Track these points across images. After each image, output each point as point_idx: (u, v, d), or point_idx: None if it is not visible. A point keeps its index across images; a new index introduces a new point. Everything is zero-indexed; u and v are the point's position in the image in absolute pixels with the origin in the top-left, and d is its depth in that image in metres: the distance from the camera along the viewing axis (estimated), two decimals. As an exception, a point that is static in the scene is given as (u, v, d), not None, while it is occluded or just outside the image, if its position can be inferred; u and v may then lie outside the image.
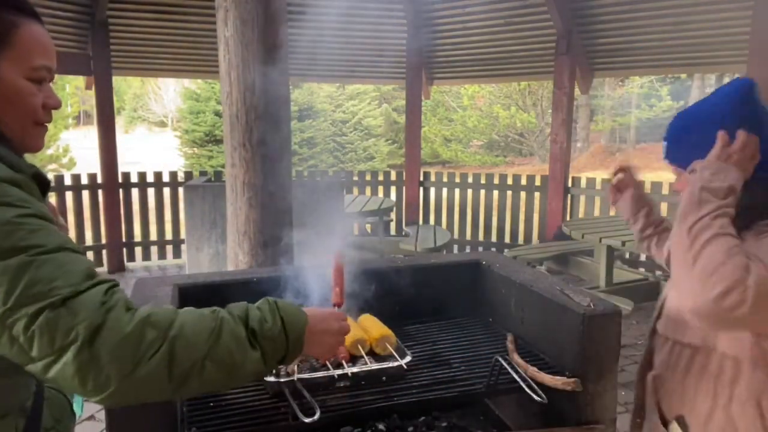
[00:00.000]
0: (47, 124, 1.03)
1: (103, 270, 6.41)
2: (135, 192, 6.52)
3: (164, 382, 0.85)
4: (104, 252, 6.43)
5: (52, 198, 6.03)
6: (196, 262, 5.41)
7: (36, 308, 0.79)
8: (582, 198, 6.48)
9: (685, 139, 1.33)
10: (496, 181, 6.79)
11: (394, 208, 6.92)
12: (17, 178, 0.87)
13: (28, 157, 1.02)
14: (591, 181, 6.44)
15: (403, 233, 6.79)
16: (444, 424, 1.37)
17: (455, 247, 6.90)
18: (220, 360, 0.89)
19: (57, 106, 1.03)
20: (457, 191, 7.02)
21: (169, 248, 6.73)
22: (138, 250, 6.63)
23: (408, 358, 1.32)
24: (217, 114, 13.70)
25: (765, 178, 1.20)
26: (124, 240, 6.52)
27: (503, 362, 1.27)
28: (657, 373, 1.33)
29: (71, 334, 0.79)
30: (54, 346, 0.79)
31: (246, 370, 0.92)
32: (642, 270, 5.49)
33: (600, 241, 4.19)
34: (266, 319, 0.96)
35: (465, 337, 1.54)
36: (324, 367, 1.27)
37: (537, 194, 6.62)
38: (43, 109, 1.00)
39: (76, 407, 1.17)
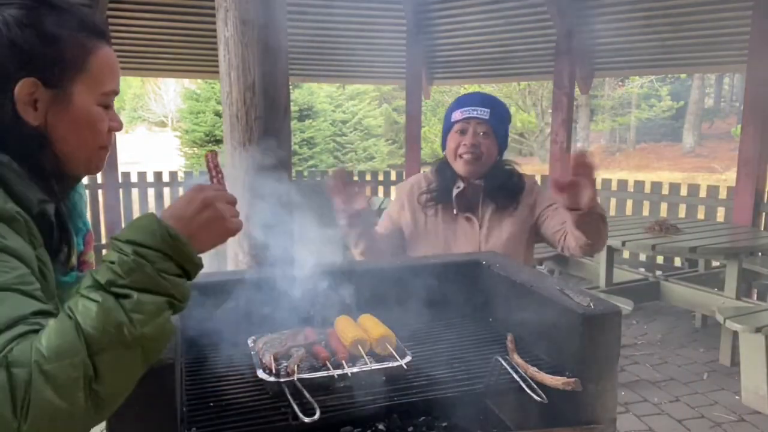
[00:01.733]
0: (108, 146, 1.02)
1: (103, 270, 6.41)
2: (135, 192, 6.52)
3: (71, 410, 0.72)
4: (104, 252, 6.42)
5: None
6: (196, 262, 5.41)
7: None
8: (582, 198, 6.47)
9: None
10: (496, 181, 6.78)
11: (394, 208, 6.91)
12: (1, 210, 0.82)
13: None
14: (591, 181, 6.43)
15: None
16: (444, 424, 1.37)
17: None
18: (106, 342, 0.74)
19: (120, 128, 1.01)
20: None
21: (169, 248, 6.74)
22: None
23: (408, 358, 1.32)
24: (217, 114, 13.70)
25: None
26: (124, 240, 6.52)
27: (503, 362, 1.27)
28: None
29: None
30: None
31: (140, 321, 0.76)
32: (642, 270, 5.49)
33: (600, 241, 4.18)
34: (113, 260, 0.80)
35: (465, 337, 1.54)
36: (324, 367, 1.28)
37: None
38: (108, 132, 1.00)
39: None
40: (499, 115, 1.91)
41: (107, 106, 0.99)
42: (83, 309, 0.75)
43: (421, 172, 2.06)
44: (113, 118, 1.01)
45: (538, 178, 6.74)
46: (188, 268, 0.86)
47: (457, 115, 1.92)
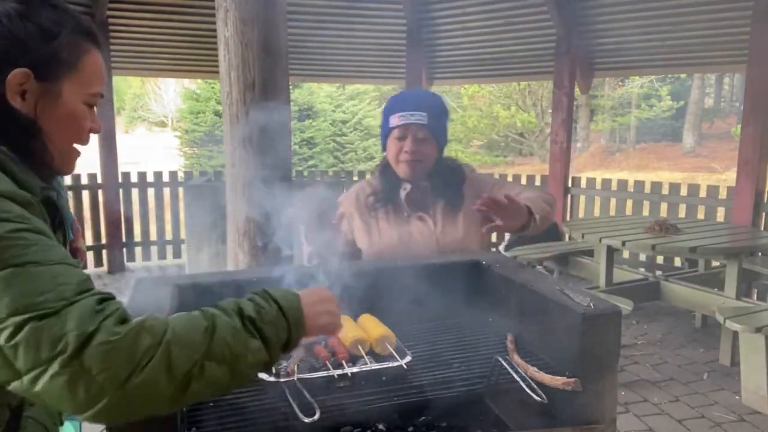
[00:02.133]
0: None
1: (103, 270, 6.41)
2: (135, 192, 6.52)
3: (164, 390, 0.81)
4: (104, 252, 6.42)
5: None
6: (196, 262, 5.41)
7: (23, 318, 0.75)
8: (582, 198, 6.48)
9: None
10: (496, 181, 6.78)
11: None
12: (18, 194, 0.87)
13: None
14: (591, 181, 6.44)
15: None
16: (444, 424, 1.37)
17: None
18: (220, 357, 0.86)
19: (99, 130, 1.06)
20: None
21: (169, 248, 6.73)
22: (138, 250, 6.63)
23: (408, 358, 1.32)
24: (217, 114, 13.70)
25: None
26: (124, 240, 6.52)
27: (503, 362, 1.27)
28: None
29: (60, 344, 0.75)
30: (41, 356, 0.75)
31: (248, 361, 0.89)
32: (642, 270, 5.49)
33: (600, 241, 4.19)
34: (262, 306, 0.95)
35: (465, 337, 1.54)
36: (324, 367, 1.28)
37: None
38: (87, 132, 1.04)
39: None
40: (436, 116, 1.90)
41: (91, 107, 1.03)
42: (224, 323, 0.89)
43: (365, 179, 2.03)
44: (94, 120, 1.05)
45: (537, 178, 6.75)
46: (289, 348, 0.99)
47: (395, 120, 1.89)
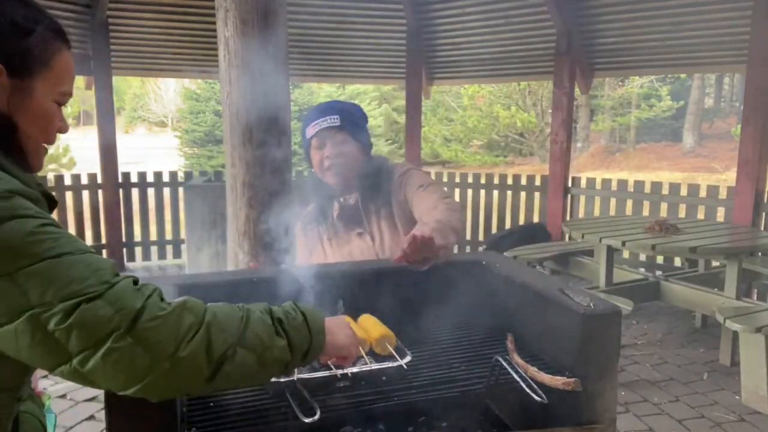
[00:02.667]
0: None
1: (103, 270, 6.42)
2: (135, 192, 6.52)
3: (202, 368, 0.86)
4: (104, 252, 6.42)
5: (52, 198, 6.04)
6: (196, 262, 5.41)
7: (73, 302, 0.80)
8: (582, 198, 6.48)
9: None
10: (496, 181, 6.79)
11: (394, 208, 6.90)
12: (28, 191, 0.90)
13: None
14: (591, 181, 6.44)
15: (403, 233, 6.78)
16: (444, 424, 1.37)
17: (455, 247, 6.90)
18: (251, 345, 0.92)
19: (66, 130, 1.08)
20: (457, 191, 7.02)
21: (169, 248, 6.73)
22: (138, 250, 6.63)
23: (408, 358, 1.31)
24: (217, 114, 13.70)
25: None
26: (124, 240, 6.53)
27: (503, 362, 1.27)
28: None
29: (112, 322, 0.81)
30: (95, 336, 0.80)
31: (274, 356, 0.95)
32: (642, 270, 5.49)
33: (600, 241, 4.19)
34: (289, 312, 1.01)
35: (465, 337, 1.54)
36: (324, 367, 1.27)
37: (537, 194, 6.62)
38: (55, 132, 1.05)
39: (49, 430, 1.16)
40: (350, 118, 1.86)
41: (60, 106, 1.04)
42: (257, 317, 0.95)
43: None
44: (62, 119, 1.06)
45: (537, 178, 6.76)
46: (308, 357, 1.04)
47: (310, 131, 1.86)
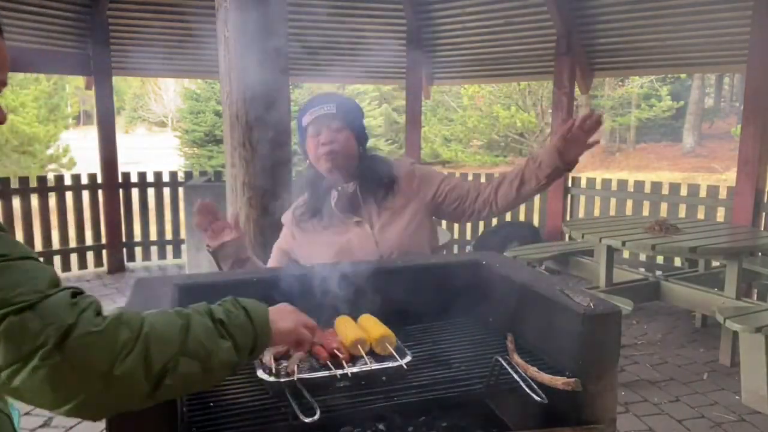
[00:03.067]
0: None
1: (103, 270, 6.42)
2: (135, 192, 6.52)
3: (141, 383, 0.82)
4: (104, 252, 6.42)
5: (52, 198, 6.04)
6: (196, 262, 5.41)
7: (1, 313, 0.74)
8: (582, 198, 6.48)
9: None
10: (496, 181, 6.78)
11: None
12: None
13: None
14: (591, 181, 6.44)
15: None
16: (444, 424, 1.37)
17: (455, 247, 6.90)
18: (193, 353, 0.88)
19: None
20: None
21: (169, 248, 6.73)
22: (138, 250, 6.63)
23: (408, 358, 1.31)
24: (217, 114, 13.70)
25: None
26: (124, 240, 6.52)
27: (503, 362, 1.27)
28: None
29: (40, 337, 0.74)
30: (21, 350, 0.74)
31: (220, 359, 0.92)
32: (642, 270, 5.49)
33: (600, 241, 4.19)
34: (230, 310, 0.98)
35: (465, 337, 1.54)
36: (324, 367, 1.27)
37: (537, 194, 6.61)
38: None
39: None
40: (346, 108, 1.87)
41: None
42: (198, 322, 0.92)
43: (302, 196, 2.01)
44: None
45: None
46: (255, 353, 1.02)
47: (306, 119, 1.86)
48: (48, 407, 0.79)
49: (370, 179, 1.89)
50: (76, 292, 0.83)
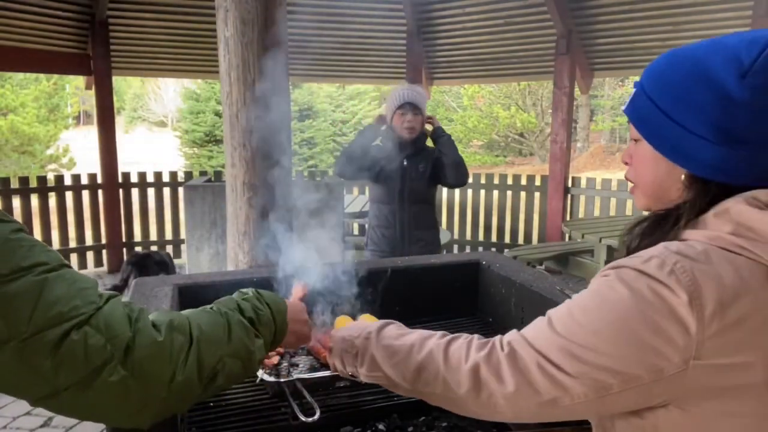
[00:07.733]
0: None
1: (103, 270, 6.42)
2: (135, 192, 6.52)
3: (196, 386, 0.83)
4: (104, 252, 6.42)
5: (52, 198, 6.04)
6: (196, 262, 5.41)
7: (60, 331, 0.69)
8: (582, 198, 6.48)
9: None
10: (496, 181, 6.79)
11: (394, 208, 6.90)
12: None
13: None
14: (591, 181, 6.44)
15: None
16: (444, 424, 1.37)
17: (455, 247, 6.90)
18: (237, 353, 0.90)
19: None
20: (457, 191, 7.02)
21: (169, 248, 6.72)
22: (138, 251, 6.63)
23: (408, 358, 1.31)
24: (217, 114, 13.70)
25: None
26: (124, 240, 6.52)
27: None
28: None
29: (105, 353, 0.72)
30: (86, 368, 0.71)
31: (256, 358, 0.94)
32: (642, 270, 5.48)
33: (600, 241, 4.19)
34: (258, 307, 0.99)
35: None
36: (324, 367, 1.27)
37: (537, 194, 6.62)
38: None
39: None
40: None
41: None
42: (237, 321, 0.93)
43: None
44: None
45: (537, 179, 6.75)
46: (271, 349, 1.03)
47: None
48: (109, 421, 0.79)
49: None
50: (120, 299, 0.81)
